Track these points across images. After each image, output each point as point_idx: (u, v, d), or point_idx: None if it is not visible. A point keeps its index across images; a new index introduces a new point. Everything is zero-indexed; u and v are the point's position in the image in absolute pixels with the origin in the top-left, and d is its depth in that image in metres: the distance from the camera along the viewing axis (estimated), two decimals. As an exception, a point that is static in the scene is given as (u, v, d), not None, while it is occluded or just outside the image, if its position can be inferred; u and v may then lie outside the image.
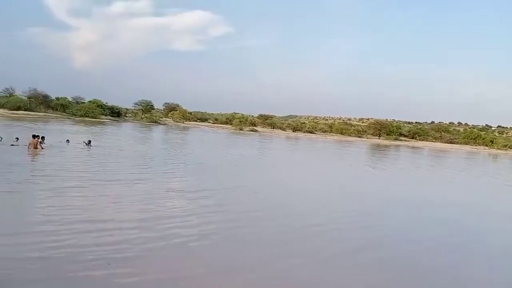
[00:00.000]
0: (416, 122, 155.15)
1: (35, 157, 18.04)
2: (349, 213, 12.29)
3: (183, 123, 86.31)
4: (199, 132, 60.61)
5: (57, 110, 71.58)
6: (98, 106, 72.86)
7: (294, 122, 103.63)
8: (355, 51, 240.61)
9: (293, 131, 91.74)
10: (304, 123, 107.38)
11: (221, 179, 16.65)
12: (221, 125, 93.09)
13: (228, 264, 7.08)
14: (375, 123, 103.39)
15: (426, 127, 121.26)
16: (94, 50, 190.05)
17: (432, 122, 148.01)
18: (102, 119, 69.04)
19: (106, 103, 77.53)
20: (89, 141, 23.61)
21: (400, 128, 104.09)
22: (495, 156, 67.28)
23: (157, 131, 54.40)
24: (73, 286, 5.58)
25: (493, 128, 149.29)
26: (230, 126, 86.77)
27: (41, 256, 6.46)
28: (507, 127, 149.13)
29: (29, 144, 19.57)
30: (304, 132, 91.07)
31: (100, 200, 10.72)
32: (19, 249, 6.67)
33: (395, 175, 26.33)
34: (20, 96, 69.47)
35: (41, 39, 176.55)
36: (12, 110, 60.41)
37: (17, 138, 21.71)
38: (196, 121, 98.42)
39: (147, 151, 25.98)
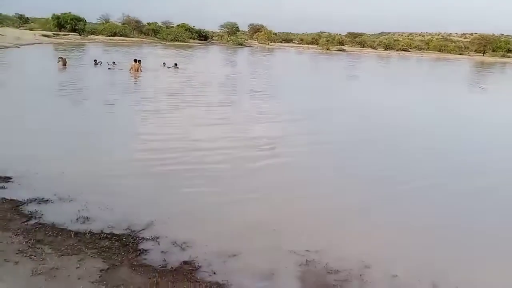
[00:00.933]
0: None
1: (137, 79, 19.17)
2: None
3: (268, 44, 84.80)
4: (285, 54, 59.23)
5: (148, 35, 74.34)
6: (186, 30, 74.07)
7: (386, 39, 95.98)
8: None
9: (385, 50, 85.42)
10: (398, 40, 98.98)
11: (313, 103, 16.15)
12: (306, 45, 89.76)
13: (328, 200, 6.87)
14: (479, 38, 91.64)
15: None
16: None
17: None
18: (190, 42, 70.40)
19: (194, 26, 78.41)
20: (175, 64, 24.28)
21: (509, 43, 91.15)
22: None
23: (243, 54, 54.23)
24: (177, 198, 5.85)
25: None
26: (316, 46, 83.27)
27: (145, 172, 6.85)
28: None
29: (131, 67, 20.79)
30: (397, 51, 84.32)
31: (196, 122, 11.01)
32: (127, 169, 7.12)
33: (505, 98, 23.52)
34: (115, 23, 73.01)
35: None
36: (109, 36, 64.00)
37: (114, 62, 23.06)
38: (281, 42, 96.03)
39: (237, 73, 26.12)
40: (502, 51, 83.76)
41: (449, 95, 22.17)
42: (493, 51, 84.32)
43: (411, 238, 5.36)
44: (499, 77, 40.87)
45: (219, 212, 5.57)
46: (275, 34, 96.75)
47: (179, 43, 67.00)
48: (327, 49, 77.18)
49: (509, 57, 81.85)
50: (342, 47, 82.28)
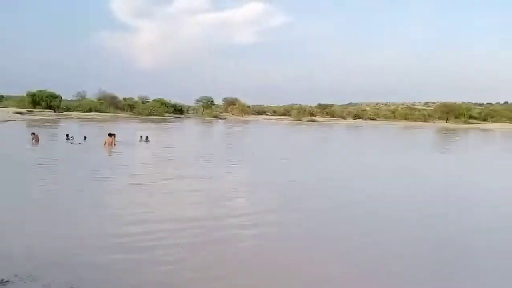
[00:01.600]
0: (487, 103, 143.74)
1: (112, 154, 19.21)
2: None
3: (242, 117, 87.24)
4: (259, 126, 60.71)
5: (124, 110, 75.51)
6: (162, 105, 75.84)
7: (354, 109, 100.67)
8: (419, 34, 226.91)
9: (354, 119, 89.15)
10: (365, 110, 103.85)
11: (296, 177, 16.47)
12: (279, 117, 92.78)
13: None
14: (442, 106, 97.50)
15: (498, 107, 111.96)
16: (156, 49, 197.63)
17: (506, 103, 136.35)
18: (166, 116, 71.70)
19: (170, 101, 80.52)
20: (147, 137, 24.65)
21: (470, 110, 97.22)
22: None
23: (218, 126, 55.39)
24: (149, 276, 5.70)
25: None
26: (289, 117, 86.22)
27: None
28: None
29: (105, 142, 20.97)
30: (365, 120, 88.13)
31: (167, 199, 11.00)
32: (96, 246, 6.98)
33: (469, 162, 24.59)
34: (91, 99, 74.16)
35: (106, 42, 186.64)
36: (84, 112, 64.61)
37: (85, 137, 23.10)
38: (254, 114, 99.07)
39: (214, 148, 26.50)
40: (464, 118, 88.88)
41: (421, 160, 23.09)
42: (456, 117, 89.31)
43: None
44: (460, 142, 42.91)
45: None
46: (249, 106, 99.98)
47: (155, 117, 68.13)
48: (299, 120, 79.98)
49: (470, 123, 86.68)
50: (313, 117, 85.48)
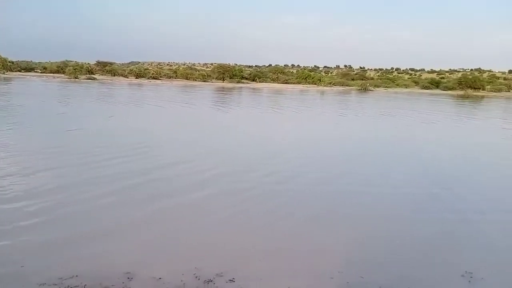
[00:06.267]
0: (255, 66, 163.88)
1: None
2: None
3: (4, 73, 74.00)
4: (28, 83, 52.98)
5: None
6: None
7: (137, 68, 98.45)
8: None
9: (136, 78, 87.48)
10: (148, 69, 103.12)
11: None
12: (52, 74, 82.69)
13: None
14: (218, 67, 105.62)
15: (264, 69, 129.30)
16: None
17: (270, 65, 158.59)
18: None
19: None
20: None
21: (242, 72, 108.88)
22: (322, 92, 76.28)
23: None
24: None
25: (320, 69, 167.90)
26: (63, 75, 77.86)
27: None
28: (331, 67, 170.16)
29: None
30: (148, 79, 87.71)
31: None
32: None
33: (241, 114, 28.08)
34: None
35: None
36: None
37: None
38: (19, 71, 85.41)
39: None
40: (237, 78, 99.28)
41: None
42: (231, 78, 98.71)
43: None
44: (237, 98, 48.16)
45: None
46: (12, 62, 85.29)
47: None
48: (76, 78, 73.26)
49: (243, 82, 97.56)
50: (92, 75, 79.68)
